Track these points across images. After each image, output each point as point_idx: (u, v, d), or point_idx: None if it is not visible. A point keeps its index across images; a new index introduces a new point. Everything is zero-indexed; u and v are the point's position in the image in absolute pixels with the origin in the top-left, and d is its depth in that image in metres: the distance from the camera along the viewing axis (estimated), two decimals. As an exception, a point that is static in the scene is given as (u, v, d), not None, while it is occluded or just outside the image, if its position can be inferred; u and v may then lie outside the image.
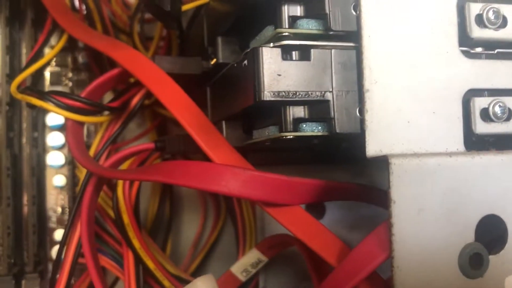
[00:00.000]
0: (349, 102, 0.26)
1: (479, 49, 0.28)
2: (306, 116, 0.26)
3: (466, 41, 0.28)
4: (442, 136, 0.27)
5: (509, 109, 0.28)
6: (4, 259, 0.42)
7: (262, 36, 0.28)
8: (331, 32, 0.26)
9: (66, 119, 0.32)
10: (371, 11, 0.25)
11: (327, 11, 0.25)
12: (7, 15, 0.42)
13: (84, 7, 0.43)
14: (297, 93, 0.25)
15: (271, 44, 0.26)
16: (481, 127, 0.27)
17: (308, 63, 0.26)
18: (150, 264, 0.37)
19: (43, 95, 0.31)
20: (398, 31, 0.26)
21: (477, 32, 0.28)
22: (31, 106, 0.39)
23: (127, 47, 0.33)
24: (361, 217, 0.43)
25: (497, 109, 0.28)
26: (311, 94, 0.25)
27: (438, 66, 0.27)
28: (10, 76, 0.42)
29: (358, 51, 0.26)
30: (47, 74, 0.46)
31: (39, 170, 0.44)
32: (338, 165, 0.42)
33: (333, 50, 0.26)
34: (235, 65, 0.29)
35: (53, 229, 0.45)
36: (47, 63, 0.38)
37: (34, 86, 0.41)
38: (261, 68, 0.25)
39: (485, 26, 0.28)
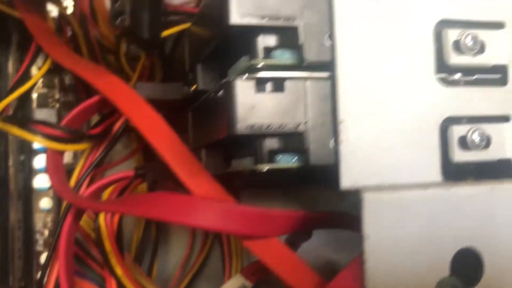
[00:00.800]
0: (324, 133, 0.26)
1: (457, 75, 0.28)
2: (281, 148, 0.26)
3: (443, 68, 0.28)
4: (419, 166, 0.26)
5: (487, 136, 0.28)
6: (-11, 284, 0.42)
7: (238, 66, 0.28)
8: (306, 63, 0.26)
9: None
10: (345, 40, 0.25)
11: (301, 42, 0.25)
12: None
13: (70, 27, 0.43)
14: (271, 126, 0.25)
15: (245, 76, 0.25)
16: (459, 156, 0.27)
17: (282, 94, 0.25)
18: (134, 290, 0.36)
19: (23, 125, 0.31)
20: (373, 60, 0.26)
21: (454, 59, 0.27)
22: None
23: (107, 74, 0.33)
24: (349, 238, 0.43)
25: (476, 136, 0.27)
26: (285, 126, 0.25)
27: (414, 95, 0.26)
28: (-4, 100, 0.42)
29: (333, 81, 0.25)
30: (34, 95, 0.46)
31: (26, 193, 0.44)
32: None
33: (307, 81, 0.26)
34: (212, 94, 0.29)
35: (40, 252, 0.44)
36: (33, 86, 0.37)
37: (21, 108, 0.41)
38: (235, 101, 0.25)
39: (463, 53, 0.28)
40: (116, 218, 0.35)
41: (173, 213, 0.26)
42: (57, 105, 0.46)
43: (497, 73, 0.29)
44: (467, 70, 0.28)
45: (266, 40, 0.26)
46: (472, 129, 0.27)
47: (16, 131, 0.31)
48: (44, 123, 0.32)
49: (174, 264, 0.46)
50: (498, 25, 0.28)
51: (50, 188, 0.44)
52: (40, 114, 0.46)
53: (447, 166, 0.27)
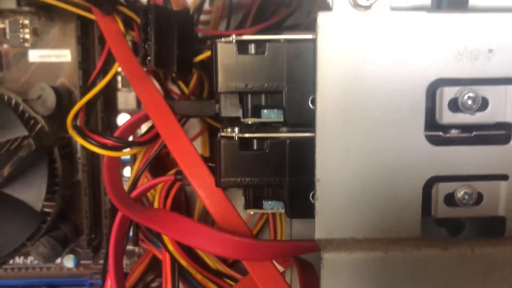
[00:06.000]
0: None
1: (454, 132, 0.28)
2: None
3: (435, 127, 0.28)
4: (398, 221, 0.28)
5: (479, 193, 0.28)
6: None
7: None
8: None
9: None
10: (326, 105, 0.27)
11: (284, 106, 0.28)
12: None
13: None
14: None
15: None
16: (444, 212, 0.28)
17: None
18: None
19: (83, 136, 0.38)
20: (355, 122, 0.27)
21: (449, 118, 0.27)
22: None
23: (153, 91, 0.38)
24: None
25: (464, 194, 0.28)
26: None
27: (398, 154, 0.27)
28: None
29: (313, 142, 0.27)
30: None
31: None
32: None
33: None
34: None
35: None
36: (100, 92, 0.43)
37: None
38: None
39: (460, 111, 0.27)
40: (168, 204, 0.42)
41: (185, 236, 0.31)
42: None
43: (501, 130, 0.28)
44: (465, 128, 0.28)
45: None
46: (461, 187, 0.28)
47: (79, 140, 0.38)
48: (100, 133, 0.38)
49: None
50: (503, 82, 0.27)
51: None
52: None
53: (429, 221, 0.28)
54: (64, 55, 0.50)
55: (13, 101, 0.46)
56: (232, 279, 0.47)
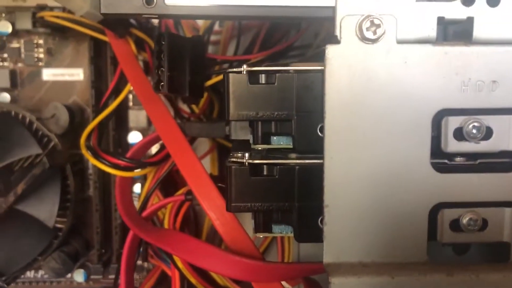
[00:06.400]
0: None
1: (459, 160, 0.29)
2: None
3: (440, 154, 0.28)
4: (404, 246, 0.28)
5: (484, 219, 0.28)
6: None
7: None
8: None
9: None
10: (334, 133, 0.28)
11: (293, 134, 0.28)
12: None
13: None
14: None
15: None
16: (449, 237, 0.29)
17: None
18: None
19: (97, 156, 0.39)
20: (363, 150, 0.28)
21: (454, 146, 0.28)
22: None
23: (163, 112, 0.39)
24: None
25: (469, 220, 0.28)
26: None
27: (405, 181, 0.28)
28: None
29: (322, 169, 0.28)
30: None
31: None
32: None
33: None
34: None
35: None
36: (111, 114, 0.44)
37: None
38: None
39: (464, 140, 0.28)
40: (178, 222, 0.43)
41: (195, 258, 0.32)
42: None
43: (505, 158, 0.28)
44: (470, 156, 0.29)
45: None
46: (466, 213, 0.28)
47: (92, 160, 0.39)
48: (112, 154, 0.39)
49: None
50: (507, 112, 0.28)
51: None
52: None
53: (435, 245, 0.29)
54: (77, 74, 0.51)
55: (27, 120, 0.47)
56: (240, 296, 0.47)
